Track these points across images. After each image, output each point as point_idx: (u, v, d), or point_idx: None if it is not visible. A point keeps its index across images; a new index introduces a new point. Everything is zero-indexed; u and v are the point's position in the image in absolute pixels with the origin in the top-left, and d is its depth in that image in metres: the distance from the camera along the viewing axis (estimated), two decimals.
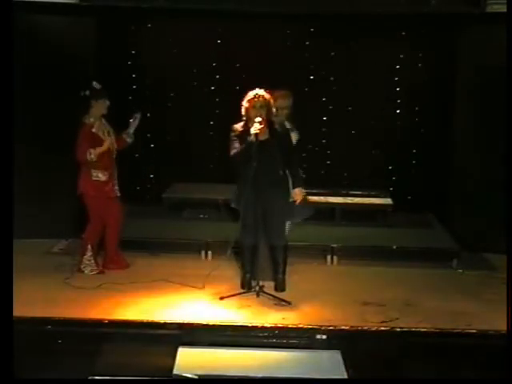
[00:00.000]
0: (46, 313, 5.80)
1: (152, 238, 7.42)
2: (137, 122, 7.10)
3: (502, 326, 5.45)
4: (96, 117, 6.95)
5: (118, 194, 7.13)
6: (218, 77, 8.80)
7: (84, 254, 7.05)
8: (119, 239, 7.22)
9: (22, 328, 5.26)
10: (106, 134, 6.99)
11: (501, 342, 5.26)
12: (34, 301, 6.02)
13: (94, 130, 6.94)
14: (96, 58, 8.20)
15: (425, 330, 5.73)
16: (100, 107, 6.94)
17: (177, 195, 8.62)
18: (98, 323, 5.70)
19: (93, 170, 6.94)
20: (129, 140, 7.13)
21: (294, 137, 6.52)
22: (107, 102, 6.96)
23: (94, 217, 7.06)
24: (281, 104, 6.50)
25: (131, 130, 7.12)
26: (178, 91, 8.95)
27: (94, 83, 6.90)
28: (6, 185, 5.00)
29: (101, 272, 7.05)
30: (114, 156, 7.09)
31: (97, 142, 6.91)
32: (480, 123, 7.91)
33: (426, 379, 5.25)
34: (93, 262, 7.06)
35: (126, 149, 7.17)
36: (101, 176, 6.97)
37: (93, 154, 6.86)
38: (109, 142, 6.94)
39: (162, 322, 5.75)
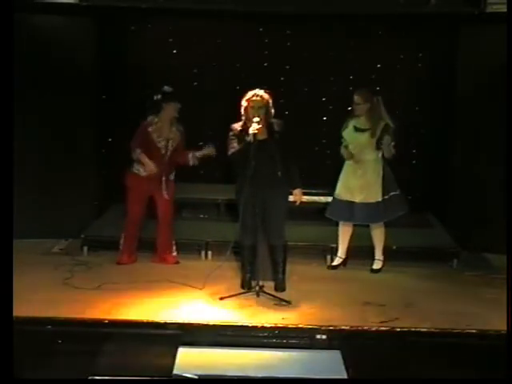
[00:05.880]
0: (46, 313, 5.80)
1: (152, 238, 7.40)
2: (207, 152, 7.02)
3: (502, 325, 5.44)
4: (165, 119, 7.01)
5: (166, 197, 7.15)
6: (218, 77, 8.79)
7: None
8: (168, 238, 7.29)
9: (22, 328, 5.26)
10: (163, 138, 7.01)
11: (501, 342, 5.25)
12: (34, 301, 6.02)
13: (149, 130, 6.99)
14: (96, 58, 8.19)
15: (425, 330, 5.73)
16: (170, 110, 7.00)
17: (177, 195, 8.61)
18: (98, 323, 5.70)
19: (135, 163, 7.04)
20: (191, 162, 7.10)
21: None
22: (178, 105, 7.01)
23: (129, 209, 7.17)
24: None
25: (199, 154, 7.07)
26: (178, 91, 8.92)
27: (166, 87, 6.97)
28: (6, 185, 5.00)
29: (118, 263, 7.19)
30: (166, 158, 7.08)
31: (148, 141, 6.99)
32: (480, 123, 7.91)
33: (426, 379, 5.25)
34: (120, 253, 7.22)
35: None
36: (141, 170, 7.03)
37: (138, 155, 6.93)
38: (151, 167, 6.91)
39: (162, 322, 5.74)
